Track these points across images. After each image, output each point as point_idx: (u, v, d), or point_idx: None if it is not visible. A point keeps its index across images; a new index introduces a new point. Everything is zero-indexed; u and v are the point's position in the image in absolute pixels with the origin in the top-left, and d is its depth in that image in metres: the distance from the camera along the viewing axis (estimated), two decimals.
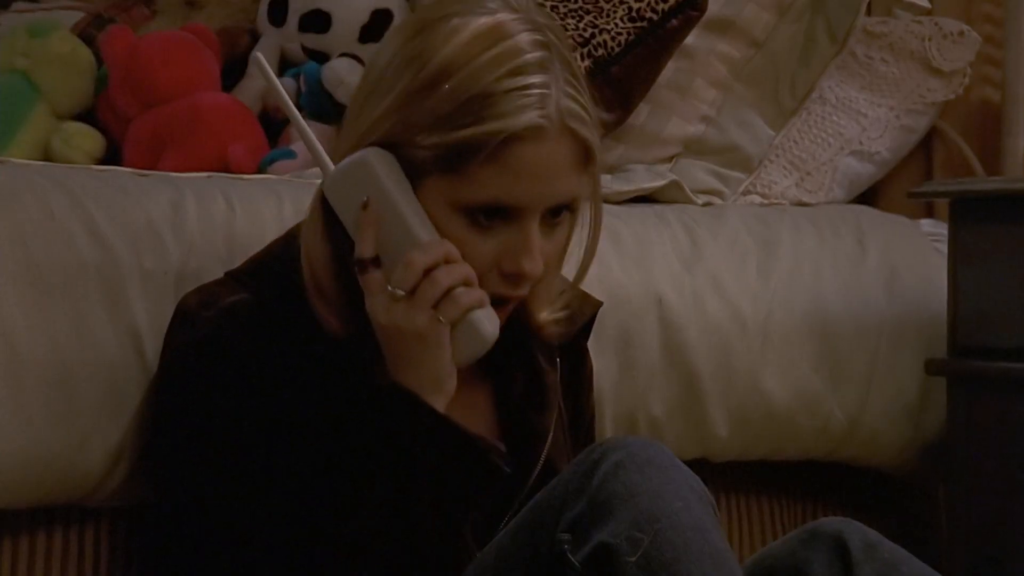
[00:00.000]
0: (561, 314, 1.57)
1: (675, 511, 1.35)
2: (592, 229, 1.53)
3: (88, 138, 2.25)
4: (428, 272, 1.42)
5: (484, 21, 1.43)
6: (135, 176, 1.73)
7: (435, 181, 1.44)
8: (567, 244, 1.52)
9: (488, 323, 1.45)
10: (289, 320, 1.46)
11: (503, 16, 1.44)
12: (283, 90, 1.53)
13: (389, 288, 1.42)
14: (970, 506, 2.08)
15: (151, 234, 1.62)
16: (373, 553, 1.42)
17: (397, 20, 2.36)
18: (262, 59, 1.52)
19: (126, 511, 1.64)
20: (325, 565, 1.42)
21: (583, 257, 1.54)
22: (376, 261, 1.44)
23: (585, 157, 1.46)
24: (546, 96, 1.42)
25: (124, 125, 2.25)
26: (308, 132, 1.50)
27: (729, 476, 2.15)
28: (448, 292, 1.42)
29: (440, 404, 1.44)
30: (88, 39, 2.36)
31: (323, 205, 1.48)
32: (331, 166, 1.48)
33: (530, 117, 1.41)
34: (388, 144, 1.44)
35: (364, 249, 1.43)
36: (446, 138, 1.41)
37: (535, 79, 1.42)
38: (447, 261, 1.43)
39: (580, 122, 1.44)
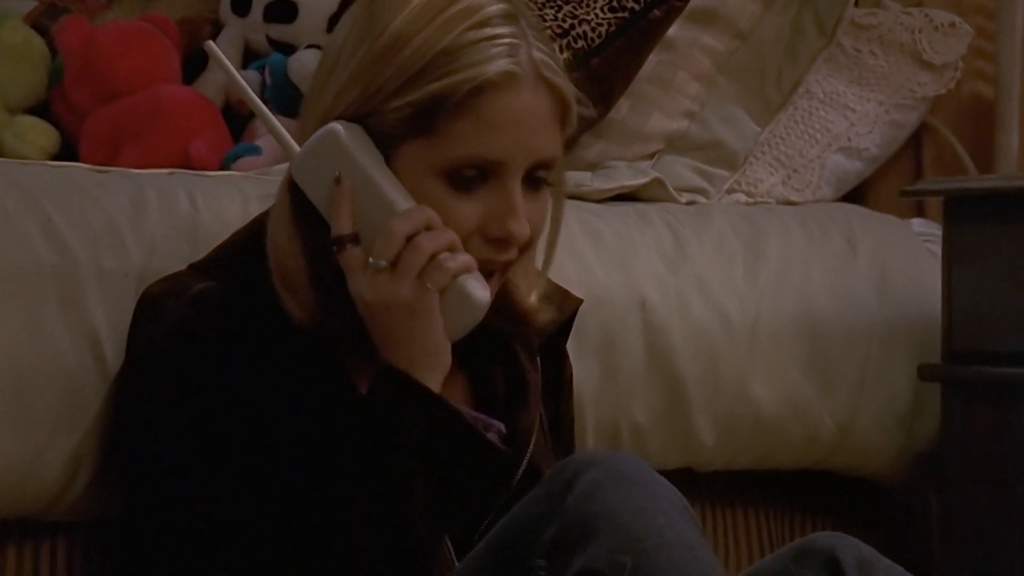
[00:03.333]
0: (549, 310, 1.56)
1: (659, 529, 1.34)
2: (555, 202, 1.52)
3: (41, 133, 2.23)
4: (410, 240, 1.40)
5: None
6: (93, 172, 1.72)
7: (408, 148, 1.43)
8: (550, 213, 1.51)
9: (479, 288, 1.43)
10: (259, 309, 1.45)
11: None
12: (236, 72, 1.52)
13: (371, 261, 1.41)
14: (964, 518, 2.08)
15: (110, 233, 1.60)
16: (363, 553, 1.39)
17: None
18: (214, 46, 1.52)
19: (85, 526, 1.62)
20: (310, 565, 1.40)
21: (548, 237, 1.53)
22: (354, 238, 1.42)
23: (562, 113, 1.46)
24: (516, 45, 1.42)
25: (80, 119, 2.23)
26: (268, 114, 1.50)
27: (715, 486, 2.15)
28: (433, 258, 1.41)
29: (435, 381, 1.42)
30: (41, 29, 2.35)
31: (290, 192, 1.47)
32: (296, 147, 1.47)
33: (501, 64, 1.41)
34: (355, 117, 1.44)
35: (341, 226, 1.42)
36: (415, 97, 1.41)
37: (503, 30, 1.42)
38: (429, 227, 1.41)
39: (555, 73, 1.44)
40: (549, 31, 2.11)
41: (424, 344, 1.42)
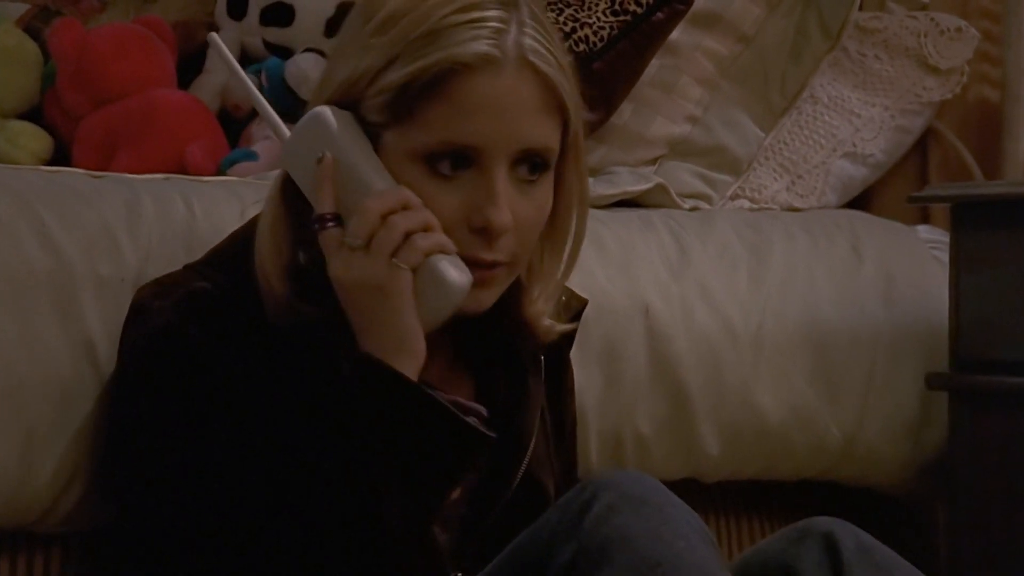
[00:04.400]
0: (561, 325, 1.54)
1: (677, 553, 1.33)
2: (579, 209, 1.50)
3: (34, 138, 2.23)
4: (385, 219, 1.39)
5: None
6: (88, 177, 1.72)
7: (390, 135, 1.42)
8: (563, 220, 1.49)
9: (454, 270, 1.40)
10: (250, 307, 1.44)
11: None
12: (238, 65, 1.52)
13: (345, 239, 1.40)
14: (973, 529, 2.07)
15: (106, 239, 1.60)
16: (342, 543, 1.38)
17: None
18: (217, 38, 1.52)
19: (79, 537, 1.61)
20: (294, 558, 1.39)
21: (571, 243, 1.51)
22: (335, 218, 1.41)
23: (555, 104, 1.43)
24: (501, 30, 1.40)
25: (73, 124, 2.23)
26: (266, 106, 1.50)
27: (719, 496, 2.14)
28: (407, 238, 1.39)
29: (407, 366, 1.40)
30: (34, 32, 2.35)
31: (283, 184, 1.46)
32: (288, 133, 1.47)
33: (480, 47, 1.39)
34: (344, 104, 1.43)
35: (322, 205, 1.42)
36: (392, 79, 1.40)
37: (490, 14, 1.41)
38: (406, 207, 1.40)
39: (542, 60, 1.42)
40: None
41: (395, 327, 1.39)
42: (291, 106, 2.23)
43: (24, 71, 2.27)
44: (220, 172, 2.15)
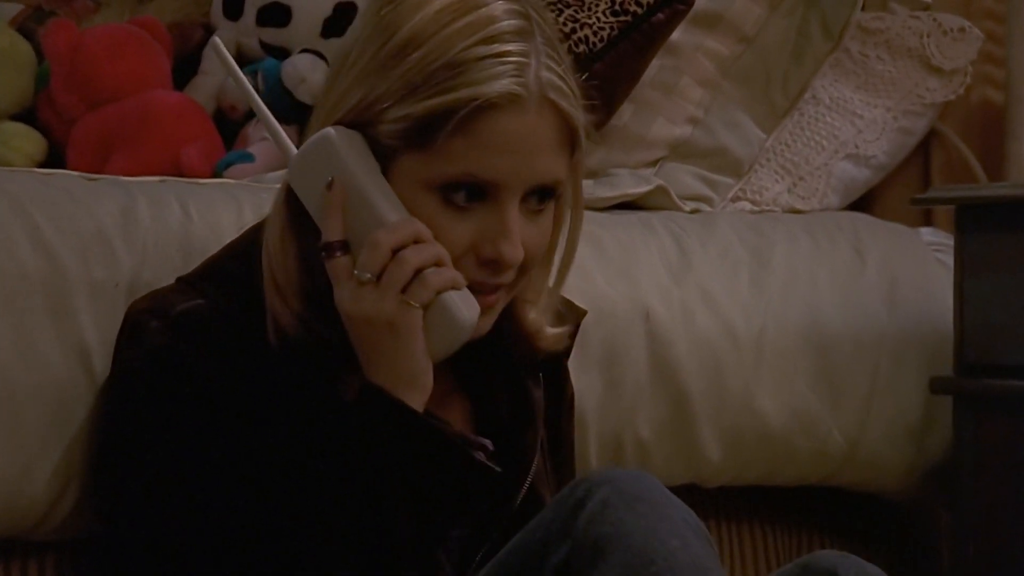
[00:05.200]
0: (560, 329, 1.54)
1: (671, 551, 1.33)
2: (571, 228, 1.50)
3: (28, 139, 2.22)
4: (396, 253, 1.39)
5: None
6: (82, 180, 1.71)
7: (405, 161, 1.41)
8: (554, 238, 1.49)
9: (464, 307, 1.40)
10: (249, 325, 1.44)
11: None
12: (240, 72, 1.52)
13: (355, 273, 1.39)
14: (977, 535, 2.07)
15: (100, 242, 1.59)
16: (347, 573, 1.38)
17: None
18: (219, 43, 1.51)
19: (74, 544, 1.61)
20: None
21: (562, 259, 1.51)
22: (344, 246, 1.41)
23: (569, 137, 1.43)
24: (524, 65, 1.40)
25: (67, 126, 2.22)
26: (270, 117, 1.49)
27: (720, 502, 2.14)
28: (418, 273, 1.39)
29: (416, 400, 1.40)
30: (27, 33, 2.34)
31: (288, 198, 1.45)
32: (294, 150, 1.46)
33: (504, 84, 1.38)
34: (355, 124, 1.42)
35: (330, 232, 1.41)
36: (414, 110, 1.39)
37: (512, 47, 1.40)
38: (417, 241, 1.39)
39: (562, 96, 1.42)
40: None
41: (405, 363, 1.40)
42: (288, 107, 2.23)
43: (17, 72, 2.27)
44: (216, 174, 2.14)
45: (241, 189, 1.79)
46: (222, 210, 1.69)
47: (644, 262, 2.02)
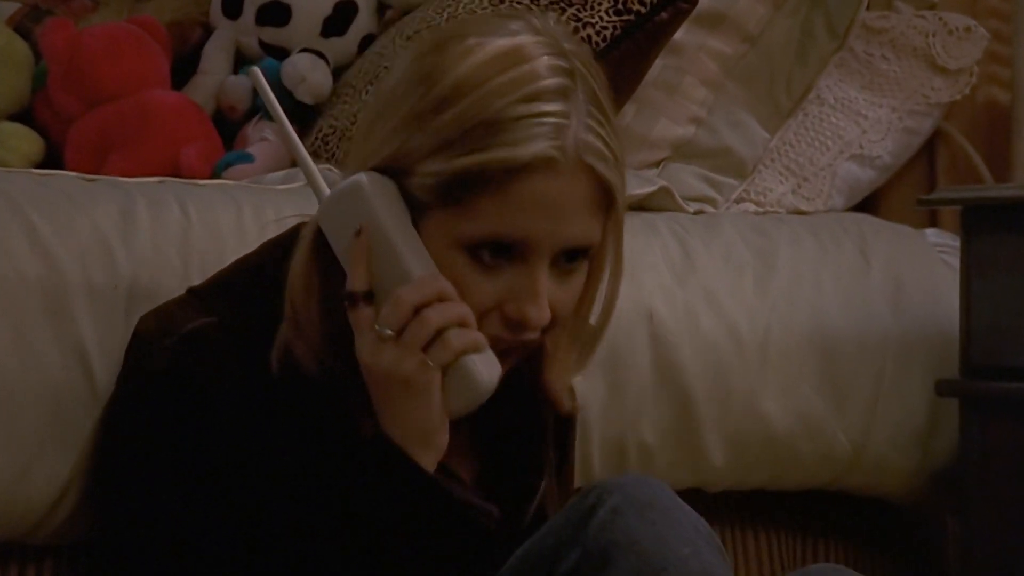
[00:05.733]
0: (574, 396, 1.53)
1: (682, 559, 1.32)
2: (611, 280, 1.48)
3: (25, 140, 2.22)
4: (419, 311, 1.37)
5: (503, 43, 1.39)
6: (81, 181, 1.71)
7: (436, 215, 1.39)
8: (587, 296, 1.46)
9: (485, 370, 1.39)
10: (260, 349, 1.42)
11: (524, 39, 1.39)
12: (283, 113, 1.48)
13: (376, 327, 1.38)
14: (984, 539, 2.07)
15: (99, 245, 1.59)
16: None
17: (362, 12, 2.35)
18: (259, 74, 1.48)
19: (73, 549, 1.61)
20: None
21: (600, 315, 1.49)
22: (368, 296, 1.39)
23: (605, 200, 1.41)
24: (562, 127, 1.37)
25: (65, 126, 2.22)
26: (307, 157, 1.46)
27: (724, 506, 2.14)
28: (440, 333, 1.37)
29: (427, 460, 1.39)
30: (24, 32, 2.35)
31: (315, 237, 1.43)
32: (326, 190, 1.44)
33: (540, 147, 1.36)
34: (390, 171, 1.40)
35: (355, 282, 1.39)
36: (448, 166, 1.37)
37: (551, 107, 1.37)
38: (441, 299, 1.38)
39: (600, 159, 1.39)
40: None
41: (420, 421, 1.39)
42: (287, 108, 2.22)
43: (14, 71, 2.26)
44: (215, 175, 2.14)
45: (241, 190, 1.79)
46: (221, 211, 1.69)
47: (647, 264, 2.02)
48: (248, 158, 2.17)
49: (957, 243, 2.19)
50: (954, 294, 2.12)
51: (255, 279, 1.46)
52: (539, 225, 1.38)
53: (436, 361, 1.37)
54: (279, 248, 1.47)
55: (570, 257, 1.42)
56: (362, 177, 1.40)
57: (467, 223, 1.38)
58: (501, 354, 1.41)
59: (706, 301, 2.04)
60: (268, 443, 1.41)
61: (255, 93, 2.26)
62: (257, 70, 1.50)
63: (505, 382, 1.43)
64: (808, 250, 2.17)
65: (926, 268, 2.23)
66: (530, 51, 1.38)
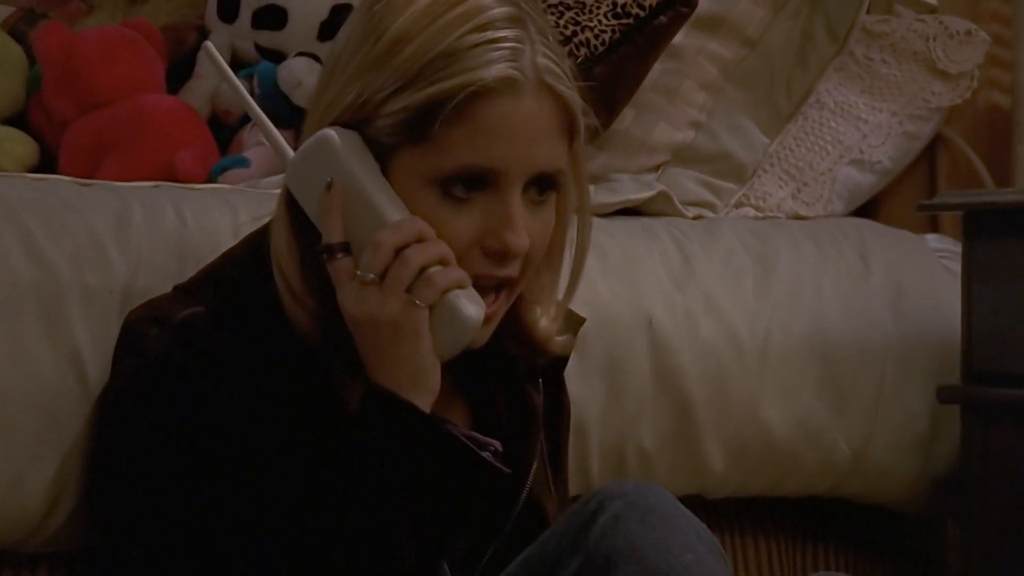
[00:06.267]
0: (565, 336, 1.53)
1: (685, 565, 1.33)
2: (580, 223, 1.50)
3: (19, 144, 2.22)
4: (399, 253, 1.38)
5: None
6: (76, 185, 1.71)
7: (403, 156, 1.41)
8: (560, 235, 1.48)
9: (471, 305, 1.40)
10: (251, 332, 1.43)
11: None
12: (236, 78, 1.52)
13: (358, 274, 1.39)
14: (985, 546, 2.07)
15: (94, 248, 1.59)
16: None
17: None
18: (212, 48, 1.51)
19: (68, 556, 1.60)
20: None
21: (573, 260, 1.51)
22: (345, 247, 1.40)
23: (568, 123, 1.43)
24: (519, 50, 1.40)
25: (59, 130, 2.22)
26: (266, 120, 1.49)
27: (724, 513, 2.13)
28: (422, 272, 1.39)
29: (423, 402, 1.39)
30: (19, 35, 2.35)
31: (288, 201, 1.45)
32: (291, 153, 1.46)
33: (500, 69, 1.39)
34: (351, 123, 1.42)
35: (331, 234, 1.41)
36: (410, 101, 1.39)
37: (505, 33, 1.40)
38: (420, 240, 1.39)
39: (559, 80, 1.42)
40: None
41: (411, 363, 1.39)
42: (284, 112, 2.23)
43: (8, 75, 2.27)
44: (211, 179, 2.15)
45: (237, 194, 1.79)
46: (217, 216, 1.69)
47: (647, 269, 2.02)
48: (244, 162, 2.17)
49: (958, 248, 2.19)
50: (955, 300, 2.13)
51: (238, 268, 1.47)
52: (507, 149, 1.39)
53: (422, 300, 1.38)
54: (260, 236, 1.48)
55: (540, 187, 1.43)
56: (326, 131, 1.41)
57: (435, 157, 1.39)
58: (484, 293, 1.42)
59: (706, 306, 2.04)
60: (263, 421, 1.41)
61: (251, 96, 2.26)
62: (210, 44, 1.53)
63: (487, 352, 1.44)
64: (808, 255, 2.17)
65: (927, 273, 2.23)
66: None
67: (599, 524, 1.34)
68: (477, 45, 1.39)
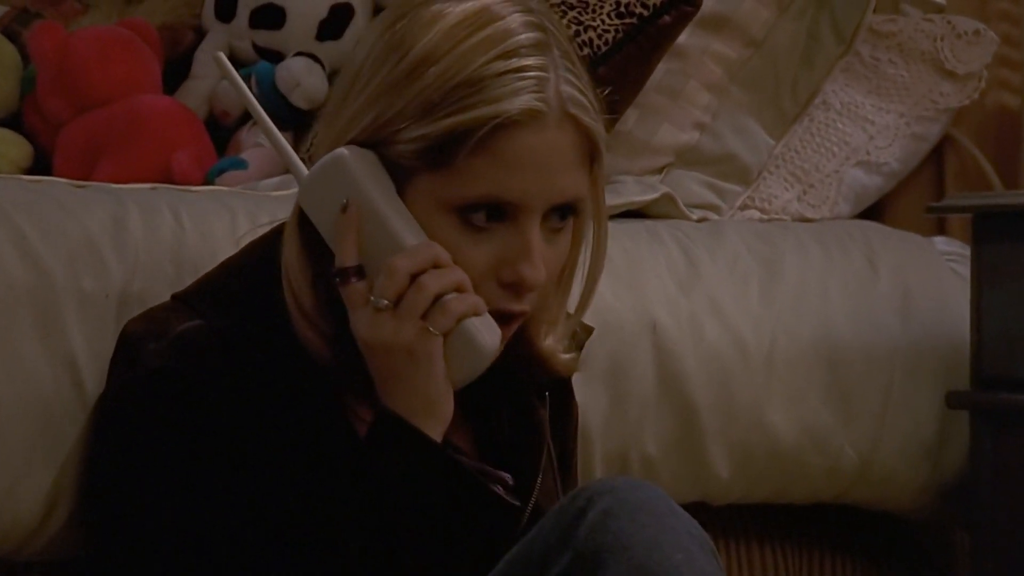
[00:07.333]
0: (571, 355, 1.53)
1: (675, 565, 1.32)
2: (595, 244, 1.50)
3: (13, 145, 2.22)
4: (415, 279, 1.38)
5: (470, 4, 1.41)
6: (71, 187, 1.71)
7: (422, 181, 1.40)
8: (574, 256, 1.48)
9: (486, 333, 1.40)
10: (253, 346, 1.42)
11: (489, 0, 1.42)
12: (249, 92, 1.50)
13: (372, 299, 1.38)
14: (995, 553, 2.06)
15: (90, 252, 1.59)
16: None
17: (358, 15, 2.35)
18: (224, 60, 1.49)
19: (62, 565, 1.60)
20: None
21: (586, 279, 1.51)
22: (359, 271, 1.40)
23: (589, 151, 1.43)
24: (543, 79, 1.39)
25: (54, 131, 2.23)
26: (279, 137, 1.47)
27: (729, 520, 2.13)
28: (438, 299, 1.38)
29: (434, 430, 1.39)
30: (12, 35, 2.36)
31: (301, 220, 1.44)
32: (304, 171, 1.44)
33: (525, 100, 1.38)
34: (369, 144, 1.41)
35: (345, 257, 1.40)
36: (432, 129, 1.38)
37: (530, 61, 1.39)
38: (436, 266, 1.38)
39: (583, 110, 1.41)
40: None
41: (424, 390, 1.39)
42: (282, 113, 2.23)
43: (2, 76, 2.28)
44: (208, 181, 2.15)
45: (234, 197, 1.79)
46: (215, 219, 1.68)
47: (651, 272, 2.02)
48: (242, 164, 2.17)
49: (966, 251, 2.19)
50: (964, 303, 2.12)
51: (240, 281, 1.46)
52: (529, 181, 1.39)
53: (437, 327, 1.38)
54: (263, 248, 1.47)
55: (562, 214, 1.43)
56: (342, 150, 1.40)
57: (455, 185, 1.39)
58: (498, 323, 1.41)
59: (711, 310, 2.04)
60: (262, 437, 1.40)
61: None
62: (221, 55, 1.51)
63: (492, 368, 1.43)
64: (814, 258, 2.17)
65: (935, 277, 2.23)
66: (499, 10, 1.41)
67: (588, 520, 1.33)
68: (503, 74, 1.38)
